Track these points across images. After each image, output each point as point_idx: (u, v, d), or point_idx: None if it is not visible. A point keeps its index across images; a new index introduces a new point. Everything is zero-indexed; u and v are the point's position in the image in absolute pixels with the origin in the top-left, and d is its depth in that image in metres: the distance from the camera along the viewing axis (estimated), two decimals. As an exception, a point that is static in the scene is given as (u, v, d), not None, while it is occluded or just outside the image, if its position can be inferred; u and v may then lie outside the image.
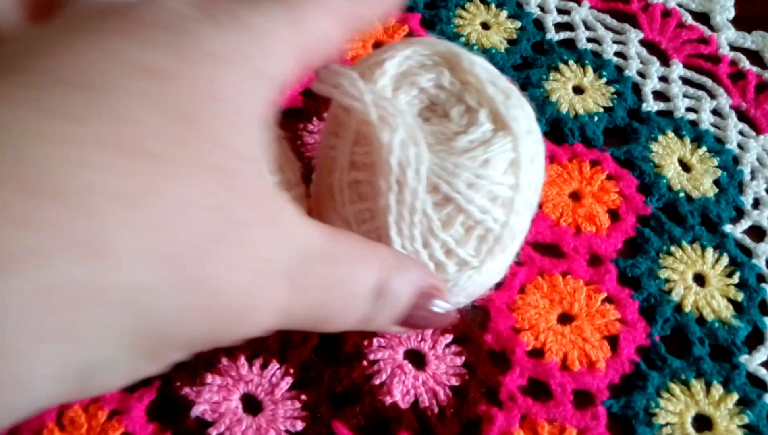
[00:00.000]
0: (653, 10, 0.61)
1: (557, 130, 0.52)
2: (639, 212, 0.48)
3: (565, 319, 0.44)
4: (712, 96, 0.56)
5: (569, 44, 0.58)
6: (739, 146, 0.53)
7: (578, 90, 0.55)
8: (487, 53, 0.56)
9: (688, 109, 0.55)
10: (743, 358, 0.43)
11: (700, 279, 0.46)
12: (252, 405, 0.39)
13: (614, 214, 0.48)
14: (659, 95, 0.56)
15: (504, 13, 0.59)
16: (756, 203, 0.50)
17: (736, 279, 0.46)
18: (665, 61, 0.58)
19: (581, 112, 0.53)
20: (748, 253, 0.48)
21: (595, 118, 0.53)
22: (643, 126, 0.53)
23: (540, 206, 0.47)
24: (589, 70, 0.56)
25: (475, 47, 0.57)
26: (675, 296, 0.45)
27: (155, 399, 0.39)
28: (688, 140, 0.53)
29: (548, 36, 0.58)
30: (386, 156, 0.31)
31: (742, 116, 0.55)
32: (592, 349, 0.42)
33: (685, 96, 0.56)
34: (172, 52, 0.23)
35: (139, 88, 0.22)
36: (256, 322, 0.26)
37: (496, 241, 0.34)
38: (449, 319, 0.34)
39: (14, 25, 0.27)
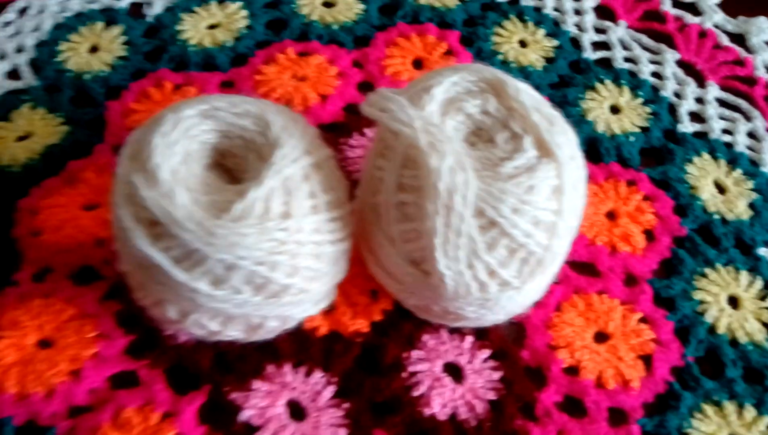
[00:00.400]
0: (689, 31, 0.61)
1: (593, 149, 0.53)
2: (674, 233, 0.49)
3: (601, 337, 0.44)
4: (748, 118, 0.56)
5: (606, 63, 0.59)
6: (775, 169, 0.54)
7: (615, 109, 0.56)
8: (524, 71, 0.57)
9: (724, 131, 0.55)
10: (776, 381, 0.43)
11: (733, 301, 0.47)
12: (297, 411, 0.41)
13: (650, 235, 0.49)
14: (695, 116, 0.56)
15: (541, 32, 0.60)
16: (791, 227, 0.51)
17: (769, 302, 0.47)
18: (701, 83, 0.58)
19: (617, 131, 0.54)
20: (782, 276, 0.48)
21: (632, 138, 0.54)
22: (679, 147, 0.54)
23: (576, 225, 0.48)
24: (626, 89, 0.57)
25: (512, 65, 0.58)
26: (709, 318, 0.45)
27: (205, 403, 0.41)
28: (723, 162, 0.53)
29: (585, 55, 0.59)
30: (435, 181, 0.32)
31: (778, 139, 0.55)
32: (627, 368, 0.43)
33: (720, 118, 0.56)
34: None
35: None
36: None
37: (538, 264, 0.35)
38: None
39: None
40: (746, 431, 0.41)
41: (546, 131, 0.34)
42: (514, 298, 0.37)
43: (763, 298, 0.47)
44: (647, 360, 0.44)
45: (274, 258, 0.33)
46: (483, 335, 0.44)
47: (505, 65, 0.58)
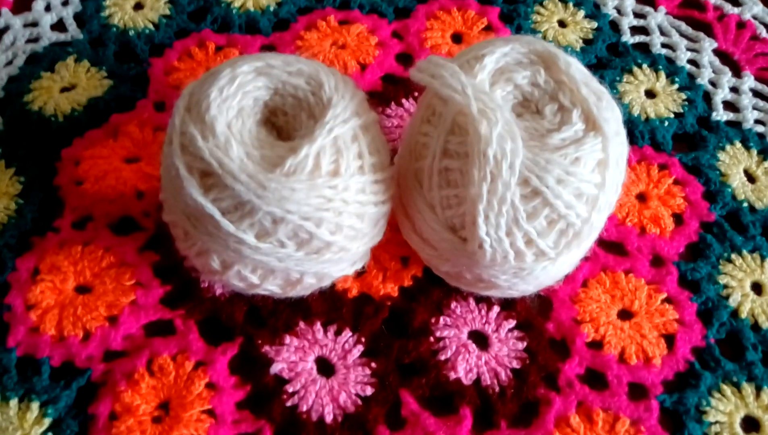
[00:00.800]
0: (728, 21, 0.61)
1: (628, 132, 0.52)
2: (703, 218, 0.50)
3: (625, 315, 0.45)
4: (782, 110, 0.57)
5: (644, 48, 0.59)
6: (806, 162, 0.54)
7: (650, 94, 0.56)
8: (563, 51, 0.57)
9: (757, 122, 0.56)
10: (795, 367, 0.44)
11: (757, 287, 0.48)
12: (325, 368, 0.42)
13: (678, 218, 0.50)
14: (729, 105, 0.57)
15: (581, 13, 0.60)
16: (818, 219, 0.51)
17: (793, 291, 0.47)
18: (737, 72, 0.59)
19: (652, 116, 0.54)
20: (807, 266, 0.49)
21: (666, 123, 0.54)
22: (712, 134, 0.54)
23: (606, 205, 0.49)
24: (662, 75, 0.57)
25: (551, 44, 0.58)
26: (732, 302, 0.46)
27: (237, 354, 0.42)
28: (755, 152, 0.54)
29: (623, 38, 0.59)
30: (483, 148, 0.33)
31: (811, 132, 0.56)
32: (650, 346, 0.44)
33: (754, 108, 0.56)
34: None
35: None
36: None
37: (575, 236, 0.36)
38: None
39: None
40: (763, 413, 0.42)
41: (594, 105, 0.34)
42: (547, 269, 0.38)
43: (786, 287, 0.47)
44: (669, 339, 0.45)
45: (320, 214, 0.34)
46: (510, 306, 0.45)
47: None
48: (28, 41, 0.55)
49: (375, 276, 0.45)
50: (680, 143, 0.54)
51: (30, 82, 0.52)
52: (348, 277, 0.44)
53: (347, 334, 0.43)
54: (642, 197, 0.51)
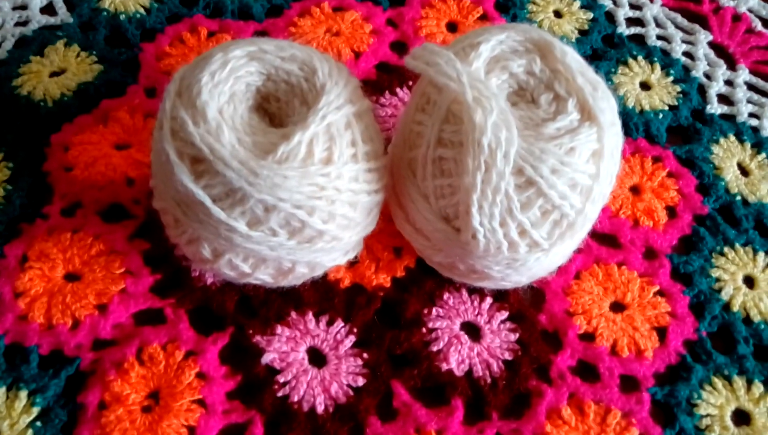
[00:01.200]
0: (724, 13, 0.61)
1: (622, 124, 0.52)
2: (696, 211, 0.50)
3: (618, 307, 0.45)
4: (776, 104, 0.56)
5: (639, 40, 0.59)
6: (799, 156, 0.54)
7: (645, 86, 0.56)
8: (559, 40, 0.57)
9: (751, 115, 0.56)
10: (785, 361, 0.45)
11: (749, 281, 0.48)
12: (317, 358, 0.42)
13: (672, 211, 0.50)
14: (723, 98, 0.57)
15: (577, 3, 0.60)
16: (811, 213, 0.51)
17: (785, 284, 0.47)
18: (732, 65, 0.58)
19: (647, 108, 0.54)
20: (799, 260, 0.49)
21: (660, 116, 0.54)
22: (706, 127, 0.54)
23: (600, 197, 0.49)
24: (657, 67, 0.57)
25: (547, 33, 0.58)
26: (724, 295, 0.46)
27: (228, 344, 0.42)
28: (748, 145, 0.54)
29: (619, 30, 0.59)
30: (478, 136, 0.33)
31: (805, 126, 0.56)
32: (641, 338, 0.44)
33: (749, 101, 0.56)
34: None
35: None
36: None
37: (569, 227, 0.36)
38: None
39: None
40: (753, 406, 0.43)
41: (590, 95, 0.34)
42: (540, 260, 0.37)
43: (778, 281, 0.48)
44: (661, 332, 0.45)
45: (313, 202, 0.34)
46: (502, 297, 0.45)
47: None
48: (17, 24, 0.55)
49: (367, 266, 0.45)
50: (674, 136, 0.54)
51: (19, 67, 0.51)
52: (340, 267, 0.44)
53: (339, 324, 0.43)
54: (636, 190, 0.50)
